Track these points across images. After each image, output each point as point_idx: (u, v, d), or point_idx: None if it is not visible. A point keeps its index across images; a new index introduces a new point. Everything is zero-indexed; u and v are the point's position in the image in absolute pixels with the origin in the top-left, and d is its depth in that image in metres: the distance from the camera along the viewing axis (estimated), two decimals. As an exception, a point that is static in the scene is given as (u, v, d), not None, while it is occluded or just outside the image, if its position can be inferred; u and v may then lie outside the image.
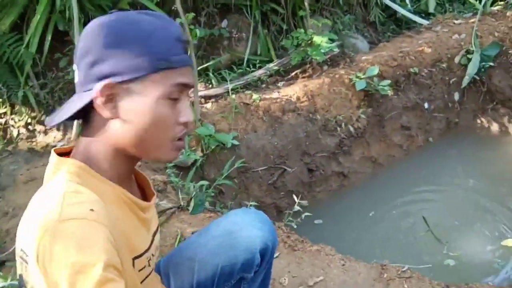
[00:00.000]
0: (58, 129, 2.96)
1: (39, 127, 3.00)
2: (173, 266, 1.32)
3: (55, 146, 2.40)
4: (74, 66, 0.90)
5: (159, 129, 0.89)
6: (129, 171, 0.97)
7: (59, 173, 0.88)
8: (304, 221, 2.50)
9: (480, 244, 2.79)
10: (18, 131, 2.99)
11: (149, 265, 0.98)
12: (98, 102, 0.85)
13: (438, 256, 2.67)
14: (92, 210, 0.80)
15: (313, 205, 3.01)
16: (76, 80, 0.90)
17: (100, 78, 0.85)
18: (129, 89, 0.86)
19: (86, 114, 0.90)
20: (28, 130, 3.02)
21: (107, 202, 0.87)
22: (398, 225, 3.02)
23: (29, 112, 3.05)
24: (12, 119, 3.04)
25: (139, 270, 0.95)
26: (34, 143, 2.91)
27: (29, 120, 3.04)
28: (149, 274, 0.99)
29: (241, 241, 1.28)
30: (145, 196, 1.06)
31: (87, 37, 0.87)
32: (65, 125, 2.94)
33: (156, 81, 0.87)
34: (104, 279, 0.74)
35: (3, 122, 3.03)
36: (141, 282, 0.96)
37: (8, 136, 2.93)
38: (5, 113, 3.07)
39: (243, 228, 1.30)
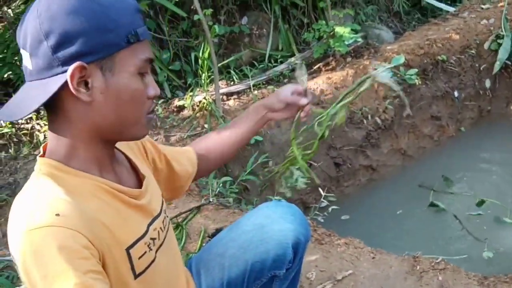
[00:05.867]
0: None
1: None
2: (203, 263, 1.25)
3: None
4: (25, 53, 0.82)
5: (135, 105, 0.87)
6: (109, 156, 0.93)
7: (33, 176, 0.86)
8: (331, 216, 2.44)
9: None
10: (44, 135, 3.00)
11: (150, 250, 0.93)
12: (72, 85, 0.80)
13: (475, 249, 2.54)
14: (57, 215, 0.77)
15: (341, 200, 2.92)
16: (31, 67, 0.82)
17: (69, 61, 0.79)
18: (102, 68, 0.82)
19: (50, 104, 0.83)
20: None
21: (85, 196, 0.84)
22: (431, 220, 2.89)
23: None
24: (37, 124, 3.06)
25: (139, 258, 0.90)
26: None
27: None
28: (154, 258, 0.94)
29: (272, 235, 1.20)
30: (140, 180, 1.00)
31: (41, 19, 0.79)
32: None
33: (127, 57, 0.84)
34: (82, 286, 0.72)
35: (29, 128, 3.06)
36: (146, 269, 0.92)
37: (35, 140, 2.95)
38: (31, 118, 3.10)
39: (274, 221, 1.22)
